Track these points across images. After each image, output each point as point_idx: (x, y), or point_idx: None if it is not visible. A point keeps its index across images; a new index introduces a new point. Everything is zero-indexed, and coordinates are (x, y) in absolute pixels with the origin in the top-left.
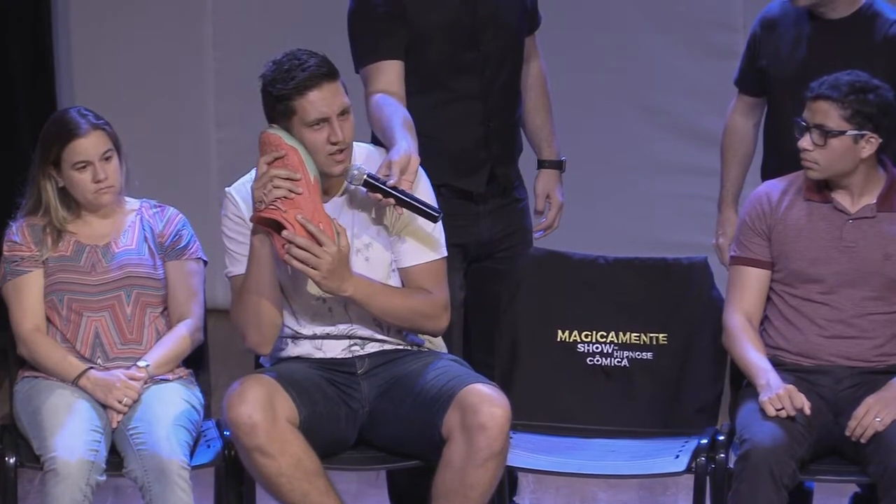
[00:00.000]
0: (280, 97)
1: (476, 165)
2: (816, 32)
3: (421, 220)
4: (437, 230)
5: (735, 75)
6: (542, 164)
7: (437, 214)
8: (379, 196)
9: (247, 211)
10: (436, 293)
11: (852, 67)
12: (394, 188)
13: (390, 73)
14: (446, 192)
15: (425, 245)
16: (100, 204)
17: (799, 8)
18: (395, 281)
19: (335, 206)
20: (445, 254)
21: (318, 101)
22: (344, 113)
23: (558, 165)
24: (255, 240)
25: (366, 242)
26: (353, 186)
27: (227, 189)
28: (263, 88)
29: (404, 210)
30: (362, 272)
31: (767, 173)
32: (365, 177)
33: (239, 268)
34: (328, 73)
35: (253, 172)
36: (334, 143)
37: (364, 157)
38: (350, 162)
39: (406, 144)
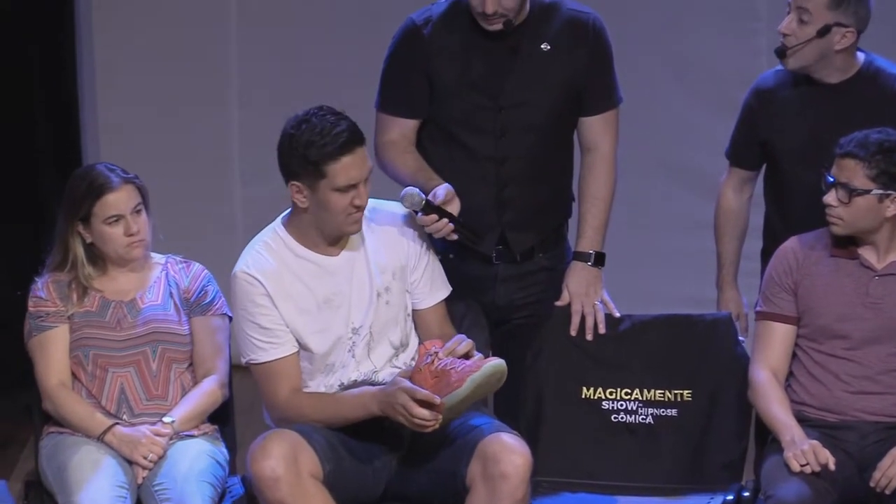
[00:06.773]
0: (314, 161)
1: (485, 227)
2: (821, 97)
3: (430, 260)
4: (440, 269)
5: (727, 149)
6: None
7: (481, 237)
8: (435, 217)
9: (270, 285)
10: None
11: (864, 126)
12: (447, 212)
13: (406, 128)
14: (462, 251)
15: (437, 284)
16: (131, 258)
17: (797, 75)
18: (409, 324)
19: (351, 255)
20: (450, 288)
21: (351, 167)
22: (367, 178)
23: (583, 258)
24: (372, 404)
25: (385, 286)
26: (406, 208)
27: (239, 271)
28: (292, 147)
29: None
30: (382, 315)
31: (772, 238)
32: (424, 200)
33: (264, 355)
34: (360, 138)
35: (258, 246)
36: (357, 207)
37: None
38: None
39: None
